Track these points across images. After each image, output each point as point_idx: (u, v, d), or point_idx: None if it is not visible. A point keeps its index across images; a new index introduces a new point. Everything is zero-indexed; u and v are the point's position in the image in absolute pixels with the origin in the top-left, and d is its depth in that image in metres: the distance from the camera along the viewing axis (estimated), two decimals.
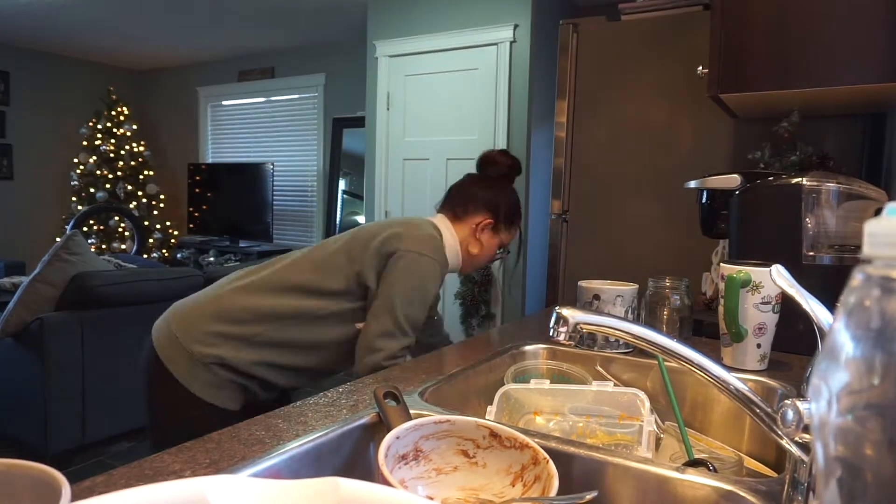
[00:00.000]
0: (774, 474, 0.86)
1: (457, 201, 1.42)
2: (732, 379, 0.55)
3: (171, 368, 1.23)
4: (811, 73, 1.23)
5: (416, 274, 1.26)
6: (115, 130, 5.74)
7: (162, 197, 6.03)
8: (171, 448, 0.65)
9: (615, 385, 1.02)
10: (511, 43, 3.47)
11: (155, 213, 5.94)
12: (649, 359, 1.07)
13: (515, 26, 3.45)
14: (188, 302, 1.32)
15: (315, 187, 5.28)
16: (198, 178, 5.64)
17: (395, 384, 0.89)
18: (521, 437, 0.64)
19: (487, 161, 1.46)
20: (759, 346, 1.02)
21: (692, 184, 1.38)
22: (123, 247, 5.63)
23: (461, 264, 1.42)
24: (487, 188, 1.42)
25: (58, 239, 3.25)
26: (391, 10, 3.87)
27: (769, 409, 0.54)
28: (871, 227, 0.23)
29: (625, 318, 0.57)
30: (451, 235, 1.38)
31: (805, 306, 0.59)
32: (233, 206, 5.43)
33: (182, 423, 1.22)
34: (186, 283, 2.92)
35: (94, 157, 5.64)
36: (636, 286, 1.15)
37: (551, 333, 0.56)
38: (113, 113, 5.76)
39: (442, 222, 1.40)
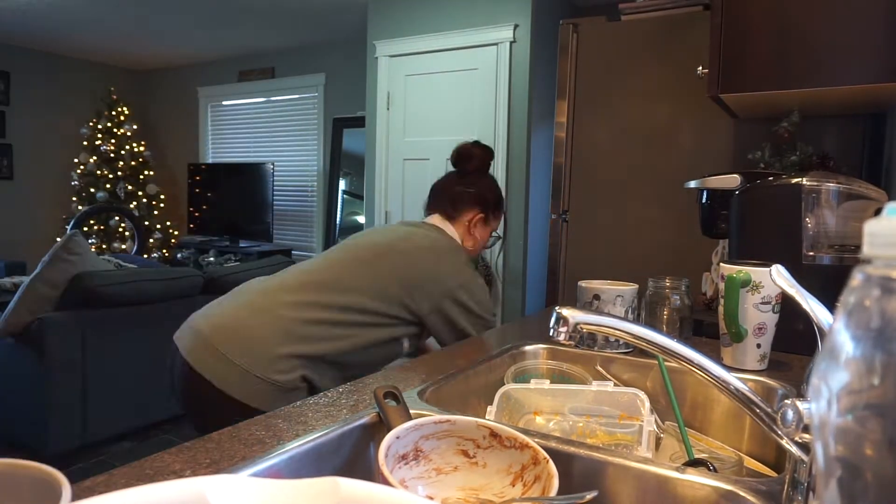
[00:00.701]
0: (774, 474, 0.86)
1: (446, 202, 1.47)
2: (732, 379, 0.55)
3: (248, 402, 1.17)
4: (811, 73, 1.23)
5: (473, 292, 1.36)
6: (115, 130, 5.75)
7: (162, 197, 6.03)
8: (171, 448, 0.65)
9: (615, 385, 1.02)
10: (511, 43, 3.47)
11: (155, 213, 5.94)
12: (649, 359, 1.07)
13: (515, 26, 3.45)
14: (230, 323, 1.23)
15: (315, 187, 5.28)
16: (198, 178, 5.64)
17: (395, 384, 0.89)
18: (522, 437, 0.64)
19: (464, 156, 1.50)
20: (759, 346, 1.02)
21: (692, 184, 1.38)
22: (124, 247, 5.63)
23: None
24: (471, 184, 1.47)
25: (58, 239, 3.25)
26: (391, 10, 3.87)
27: (769, 409, 0.54)
28: (871, 227, 0.23)
29: (625, 318, 0.57)
30: (450, 230, 1.43)
31: (805, 306, 0.59)
32: (233, 206, 5.43)
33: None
34: (186, 283, 2.92)
35: (95, 157, 5.64)
36: (636, 286, 1.15)
37: (551, 333, 0.56)
38: (113, 113, 5.76)
39: (441, 223, 1.44)
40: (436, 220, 1.46)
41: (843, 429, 0.22)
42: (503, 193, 1.56)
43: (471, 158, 1.49)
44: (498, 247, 3.53)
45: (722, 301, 1.01)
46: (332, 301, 1.25)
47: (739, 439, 0.98)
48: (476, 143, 1.51)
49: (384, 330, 1.29)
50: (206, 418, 1.22)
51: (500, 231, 1.57)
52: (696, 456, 0.81)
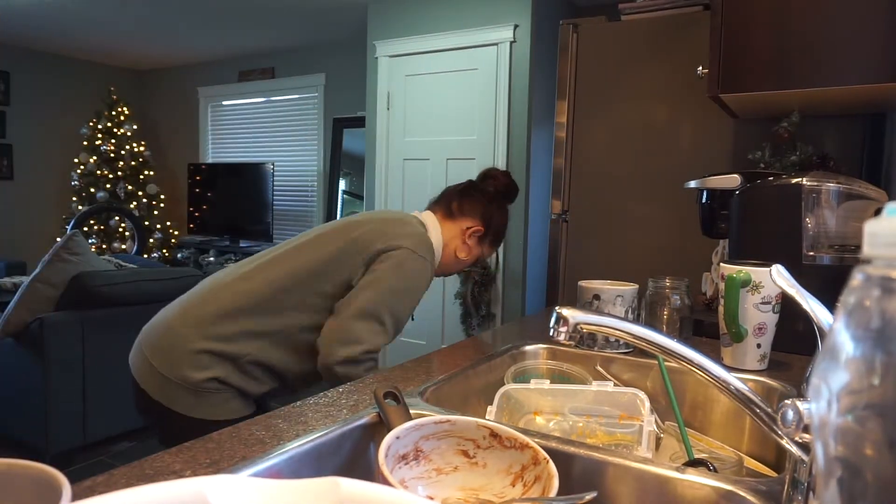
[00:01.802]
0: (774, 474, 0.86)
1: (454, 200, 1.42)
2: (732, 379, 0.55)
3: (170, 406, 1.17)
4: (811, 73, 1.22)
5: (408, 271, 1.22)
6: (115, 130, 5.74)
7: (162, 197, 6.03)
8: (171, 448, 0.65)
9: (615, 385, 1.02)
10: (511, 43, 3.47)
11: (155, 213, 5.94)
12: (649, 359, 1.07)
13: (515, 26, 3.45)
14: (162, 327, 1.22)
15: (315, 187, 5.28)
16: (198, 178, 5.64)
17: (395, 384, 0.89)
18: (522, 437, 0.64)
19: (488, 176, 1.47)
20: (759, 346, 1.02)
21: (692, 184, 1.38)
22: (124, 247, 5.63)
23: (437, 259, 1.38)
24: (486, 199, 1.43)
25: (58, 239, 3.25)
26: (391, 10, 3.87)
27: (769, 409, 0.54)
28: (871, 227, 0.23)
29: (625, 318, 0.57)
30: (437, 233, 1.35)
31: (805, 306, 0.59)
32: (233, 206, 5.43)
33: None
34: (186, 283, 2.92)
35: (95, 157, 5.64)
36: (636, 286, 1.15)
37: (551, 333, 0.56)
38: (113, 113, 5.76)
39: (429, 219, 1.37)
40: (426, 215, 1.39)
41: (843, 429, 0.22)
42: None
43: (493, 179, 1.46)
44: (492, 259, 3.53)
45: (722, 301, 1.01)
46: (266, 325, 1.19)
47: (739, 439, 0.98)
48: (505, 172, 1.50)
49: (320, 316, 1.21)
50: (154, 427, 1.25)
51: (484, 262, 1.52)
52: (696, 456, 0.81)
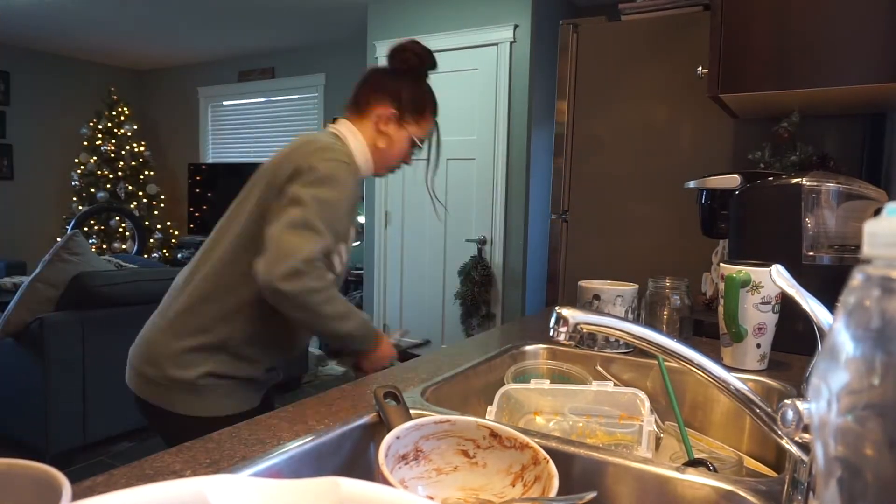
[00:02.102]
0: (774, 474, 0.86)
1: (355, 97, 1.30)
2: (732, 379, 0.55)
3: (171, 409, 1.16)
4: (811, 73, 1.22)
5: (325, 179, 1.12)
6: (115, 130, 5.75)
7: (162, 197, 6.04)
8: (171, 448, 0.65)
9: (615, 385, 1.02)
10: (511, 43, 3.47)
11: (155, 213, 5.94)
12: (649, 359, 1.07)
13: (515, 26, 3.45)
14: (144, 338, 1.22)
15: None
16: (198, 178, 5.64)
17: (395, 384, 0.89)
18: (522, 437, 0.64)
19: (395, 50, 1.31)
20: (758, 346, 1.02)
21: (692, 184, 1.38)
22: (124, 247, 5.63)
23: (372, 166, 1.31)
24: (389, 78, 1.29)
25: (58, 239, 3.25)
26: (391, 11, 3.87)
27: (769, 409, 0.54)
28: (871, 227, 0.23)
29: (625, 318, 0.57)
30: (354, 137, 1.26)
31: (805, 306, 0.59)
32: None
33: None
34: None
35: (95, 158, 5.64)
36: (636, 286, 1.15)
37: (551, 333, 0.56)
38: (113, 113, 5.76)
39: (343, 126, 1.28)
40: (339, 124, 1.29)
41: (843, 429, 0.22)
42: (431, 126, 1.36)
43: (400, 52, 1.30)
44: (497, 248, 3.52)
45: (722, 301, 1.01)
46: (232, 303, 1.16)
47: (739, 439, 0.98)
48: (416, 42, 1.33)
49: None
50: (158, 432, 1.24)
51: (434, 147, 1.38)
52: (696, 456, 0.81)
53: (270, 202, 1.14)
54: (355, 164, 1.22)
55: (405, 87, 1.29)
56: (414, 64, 1.31)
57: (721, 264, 1.04)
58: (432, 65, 1.33)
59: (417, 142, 1.36)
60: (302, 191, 1.10)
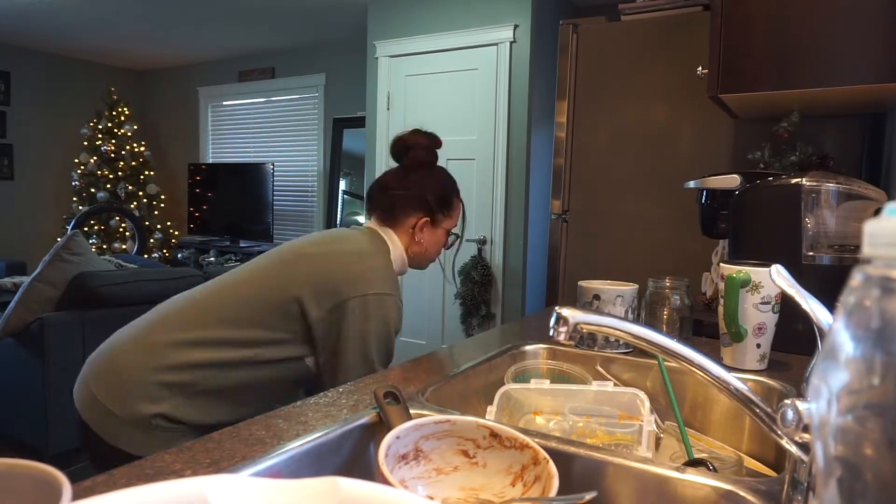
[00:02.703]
0: (774, 474, 0.86)
1: (384, 208, 1.28)
2: (732, 379, 0.55)
3: (114, 443, 1.08)
4: (811, 73, 1.23)
5: (382, 316, 1.15)
6: (115, 130, 5.74)
7: (162, 197, 6.03)
8: (171, 448, 0.65)
9: (615, 385, 1.02)
10: (511, 43, 3.47)
11: (155, 213, 5.94)
12: (649, 359, 1.07)
13: (515, 26, 3.45)
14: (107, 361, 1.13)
15: (315, 187, 5.28)
16: (198, 178, 5.64)
17: (395, 384, 0.89)
18: (522, 437, 0.64)
19: (402, 147, 1.29)
20: (758, 345, 1.02)
21: (692, 184, 1.38)
22: (124, 247, 5.63)
23: (407, 266, 1.31)
24: (409, 185, 1.27)
25: (59, 239, 3.25)
26: (391, 11, 3.87)
27: (769, 409, 0.54)
28: (871, 227, 0.23)
29: (625, 318, 0.57)
30: (392, 243, 1.26)
31: (805, 306, 0.59)
32: (233, 206, 5.43)
33: None
34: (187, 284, 2.92)
35: (95, 158, 5.64)
36: (636, 286, 1.15)
37: (551, 333, 0.56)
38: (113, 113, 5.76)
39: (380, 230, 1.27)
40: (374, 226, 1.28)
41: (843, 429, 0.22)
42: (453, 187, 1.34)
43: (409, 149, 1.28)
44: (492, 247, 3.53)
45: (722, 301, 1.01)
46: (220, 356, 1.11)
47: (739, 439, 0.98)
48: (417, 131, 1.30)
49: (277, 349, 1.13)
50: (89, 453, 1.16)
51: (458, 229, 1.37)
52: (696, 456, 0.81)
53: (309, 312, 1.12)
54: (395, 278, 1.22)
55: (428, 189, 1.27)
56: (425, 159, 1.29)
57: (721, 264, 1.04)
58: (439, 145, 1.32)
59: (455, 232, 1.37)
60: (368, 339, 1.13)
